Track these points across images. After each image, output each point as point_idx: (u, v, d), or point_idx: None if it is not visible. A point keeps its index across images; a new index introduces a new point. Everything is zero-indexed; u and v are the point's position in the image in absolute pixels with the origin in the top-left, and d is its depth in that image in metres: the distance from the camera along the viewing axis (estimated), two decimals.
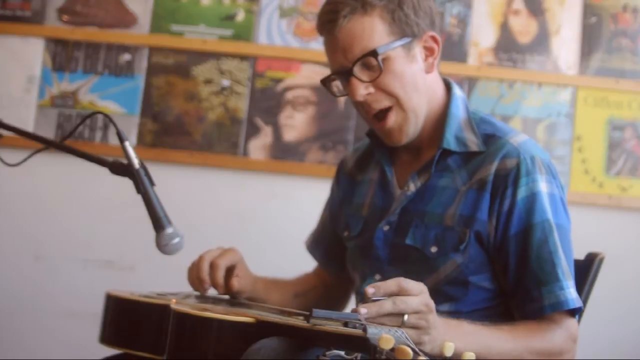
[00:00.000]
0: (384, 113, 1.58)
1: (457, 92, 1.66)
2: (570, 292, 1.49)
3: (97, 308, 1.51)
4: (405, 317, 1.24)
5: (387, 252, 1.63)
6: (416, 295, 1.26)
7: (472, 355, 0.95)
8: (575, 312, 1.52)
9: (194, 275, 1.65)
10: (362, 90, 1.55)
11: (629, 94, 2.81)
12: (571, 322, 1.52)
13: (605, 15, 2.84)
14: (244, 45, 2.88)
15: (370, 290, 1.25)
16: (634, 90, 2.81)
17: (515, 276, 1.52)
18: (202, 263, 1.64)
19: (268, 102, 2.87)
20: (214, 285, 1.65)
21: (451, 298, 1.56)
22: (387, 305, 1.23)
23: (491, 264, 1.55)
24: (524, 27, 2.86)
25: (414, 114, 1.58)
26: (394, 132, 1.60)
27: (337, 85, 1.65)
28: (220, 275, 1.64)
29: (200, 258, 1.66)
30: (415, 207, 1.61)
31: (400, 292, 1.26)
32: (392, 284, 1.27)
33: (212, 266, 1.64)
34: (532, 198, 1.52)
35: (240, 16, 2.91)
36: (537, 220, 1.52)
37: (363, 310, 1.22)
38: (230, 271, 1.67)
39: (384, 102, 1.57)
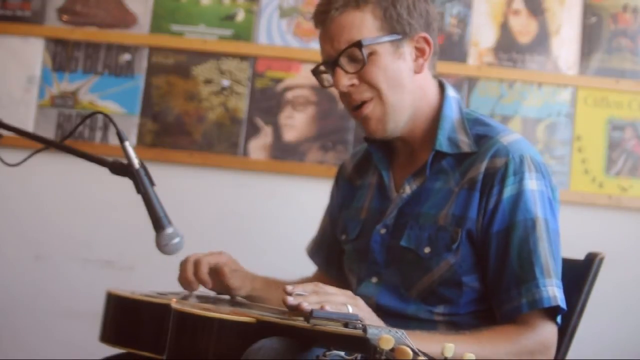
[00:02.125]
0: (364, 104, 1.60)
1: (451, 92, 1.67)
2: (547, 290, 1.47)
3: (97, 308, 1.51)
4: (350, 308, 1.34)
5: (384, 254, 1.63)
6: (334, 291, 1.38)
7: (472, 355, 0.95)
8: (556, 313, 1.50)
9: (181, 276, 1.68)
10: (346, 81, 1.58)
11: (629, 94, 2.81)
12: (546, 326, 1.49)
13: (605, 15, 2.84)
14: (244, 45, 2.88)
15: (288, 287, 1.33)
16: (634, 90, 2.81)
17: (495, 275, 1.52)
18: (186, 264, 1.68)
19: (268, 102, 2.87)
20: (199, 281, 1.68)
21: (446, 300, 1.56)
22: (313, 297, 1.33)
23: (481, 263, 1.55)
24: (524, 27, 2.86)
25: (393, 109, 1.59)
26: (371, 122, 1.61)
27: (327, 77, 1.67)
28: (204, 271, 1.67)
29: (185, 259, 1.69)
30: (411, 210, 1.61)
31: (318, 290, 1.36)
32: (309, 283, 1.38)
33: (195, 263, 1.67)
34: (518, 197, 1.52)
35: (240, 16, 2.91)
36: (519, 219, 1.51)
37: (290, 298, 1.30)
38: (215, 271, 1.69)
39: (365, 94, 1.59)
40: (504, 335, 1.47)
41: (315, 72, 1.68)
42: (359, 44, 1.55)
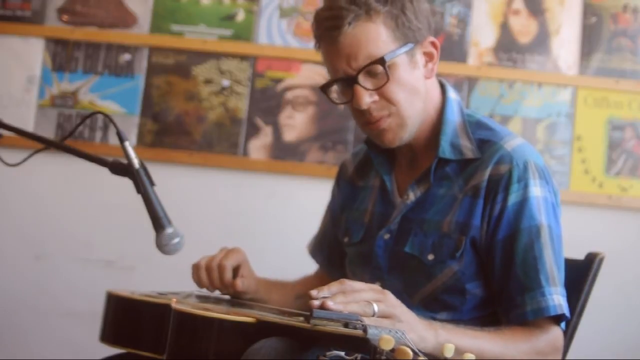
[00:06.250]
0: (381, 119, 1.56)
1: (452, 95, 1.65)
2: (552, 299, 1.48)
3: (98, 308, 1.51)
4: (375, 306, 1.29)
5: (387, 260, 1.62)
6: (361, 287, 1.32)
7: (471, 355, 0.95)
8: (560, 320, 1.51)
9: (207, 278, 1.67)
10: (367, 99, 1.53)
11: (629, 94, 2.81)
12: (555, 329, 1.51)
13: (605, 15, 2.84)
14: (244, 45, 2.88)
15: (313, 292, 1.28)
16: (634, 90, 2.81)
17: (500, 282, 1.52)
18: (211, 270, 1.67)
19: (268, 102, 2.87)
20: (223, 286, 1.68)
21: (449, 307, 1.56)
22: (339, 297, 1.28)
23: (484, 270, 1.55)
24: (524, 27, 2.86)
25: (410, 120, 1.57)
26: (387, 134, 1.57)
27: (336, 91, 1.62)
28: (229, 276, 1.67)
29: (208, 264, 1.68)
30: (415, 216, 1.60)
31: (345, 288, 1.30)
32: (334, 283, 1.32)
33: (219, 268, 1.67)
34: (523, 204, 1.51)
35: (240, 16, 2.91)
36: (524, 226, 1.51)
37: (315, 302, 1.25)
38: (235, 271, 1.69)
39: (384, 111, 1.55)
40: (522, 335, 1.48)
41: (324, 89, 1.61)
42: (382, 61, 1.50)
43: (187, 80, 2.89)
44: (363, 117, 1.57)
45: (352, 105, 1.56)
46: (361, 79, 1.52)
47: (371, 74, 1.52)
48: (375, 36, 1.51)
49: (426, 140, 1.63)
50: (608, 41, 2.83)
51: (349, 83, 1.54)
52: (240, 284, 1.67)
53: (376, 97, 1.54)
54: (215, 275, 1.67)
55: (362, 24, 1.51)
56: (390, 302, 1.33)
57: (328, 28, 1.53)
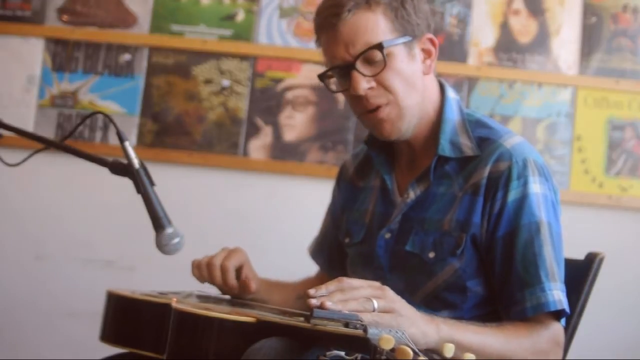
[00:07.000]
0: (379, 108, 1.58)
1: (451, 94, 1.66)
2: (552, 294, 1.48)
3: (98, 308, 1.51)
4: (375, 303, 1.29)
5: (388, 259, 1.63)
6: (359, 284, 1.32)
7: (471, 355, 0.95)
8: (560, 316, 1.52)
9: (208, 274, 1.68)
10: (364, 84, 1.55)
11: (629, 94, 2.81)
12: (555, 325, 1.51)
13: (605, 15, 2.84)
14: (244, 45, 2.88)
15: (311, 291, 1.29)
16: (634, 90, 2.81)
17: (501, 278, 1.53)
18: (213, 268, 1.67)
19: (268, 102, 2.87)
20: (227, 288, 1.68)
21: (450, 305, 1.56)
22: (337, 295, 1.28)
23: (484, 268, 1.56)
24: (524, 27, 2.86)
25: (408, 111, 1.58)
26: (386, 124, 1.58)
27: (334, 81, 1.64)
28: (232, 277, 1.67)
29: (210, 260, 1.69)
30: (416, 214, 1.61)
31: (343, 286, 1.31)
32: (332, 281, 1.32)
33: (222, 269, 1.67)
34: (523, 200, 1.52)
35: (240, 16, 2.91)
36: (524, 222, 1.51)
37: (313, 301, 1.26)
38: (238, 272, 1.70)
39: (382, 99, 1.56)
40: (524, 330, 1.49)
41: (323, 77, 1.63)
42: (379, 46, 1.52)
43: (187, 80, 2.89)
44: (360, 105, 1.58)
45: (349, 92, 1.58)
46: (359, 65, 1.54)
47: (369, 61, 1.55)
48: (373, 25, 1.54)
49: (425, 139, 1.64)
50: (608, 41, 2.83)
51: (346, 70, 1.56)
52: (253, 285, 1.68)
53: (373, 84, 1.55)
54: (217, 274, 1.67)
55: (361, 13, 1.54)
56: (390, 297, 1.33)
57: (328, 15, 1.56)
